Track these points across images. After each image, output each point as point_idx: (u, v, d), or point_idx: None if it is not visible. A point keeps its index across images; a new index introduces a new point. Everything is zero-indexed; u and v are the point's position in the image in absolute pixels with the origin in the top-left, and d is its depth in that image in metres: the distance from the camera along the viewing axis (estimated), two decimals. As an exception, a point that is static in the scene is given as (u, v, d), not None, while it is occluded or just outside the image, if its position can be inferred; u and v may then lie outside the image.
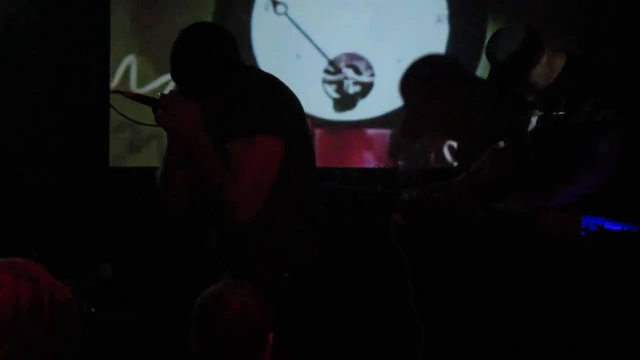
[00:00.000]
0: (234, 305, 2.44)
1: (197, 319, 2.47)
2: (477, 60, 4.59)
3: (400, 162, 4.03)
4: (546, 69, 3.75)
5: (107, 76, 4.63)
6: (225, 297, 2.46)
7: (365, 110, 4.72)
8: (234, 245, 3.22)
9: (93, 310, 4.14)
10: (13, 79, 4.60)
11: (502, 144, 4.04)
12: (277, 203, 3.13)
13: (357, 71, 4.67)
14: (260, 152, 3.05)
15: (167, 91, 3.90)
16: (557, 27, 4.55)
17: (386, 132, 4.71)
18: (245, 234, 3.16)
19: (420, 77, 4.67)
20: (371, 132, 4.71)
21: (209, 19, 4.56)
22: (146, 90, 4.54)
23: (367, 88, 4.70)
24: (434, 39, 4.66)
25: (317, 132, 4.65)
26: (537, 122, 3.85)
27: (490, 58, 3.80)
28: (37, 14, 4.62)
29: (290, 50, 4.66)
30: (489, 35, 4.35)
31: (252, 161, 3.04)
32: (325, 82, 4.68)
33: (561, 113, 3.76)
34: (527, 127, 3.88)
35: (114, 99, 3.17)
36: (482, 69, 4.52)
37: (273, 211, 3.13)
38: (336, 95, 4.69)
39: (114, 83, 4.62)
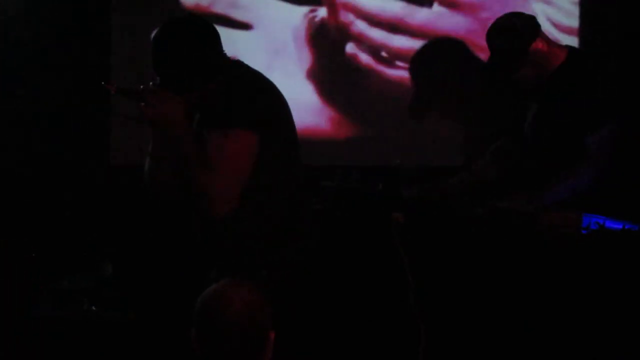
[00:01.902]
0: (235, 305, 2.43)
1: (199, 319, 2.47)
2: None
3: (400, 160, 4.03)
4: (543, 61, 3.75)
5: (107, 74, 4.63)
6: (227, 296, 2.45)
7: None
8: (217, 241, 3.22)
9: (93, 308, 4.14)
10: (14, 79, 4.60)
11: (503, 141, 4.05)
12: (258, 198, 3.14)
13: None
14: (234, 146, 3.06)
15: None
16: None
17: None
18: (227, 229, 3.17)
19: (423, 70, 4.68)
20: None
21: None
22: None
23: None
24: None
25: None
26: (533, 116, 3.86)
27: (490, 46, 3.81)
28: (37, 14, 4.63)
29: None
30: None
31: (225, 156, 3.05)
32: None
33: (557, 108, 3.76)
34: (525, 121, 3.89)
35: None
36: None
37: (254, 206, 3.14)
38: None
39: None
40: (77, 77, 4.64)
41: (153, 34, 3.15)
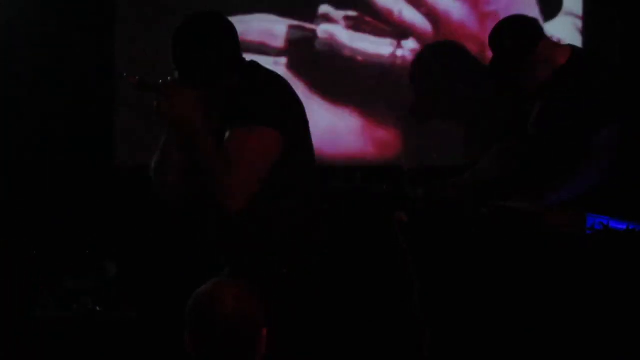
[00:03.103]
0: (227, 303, 2.44)
1: (191, 318, 2.47)
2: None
3: (404, 160, 4.03)
4: (545, 62, 3.76)
5: (112, 74, 4.63)
6: (218, 294, 2.46)
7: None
8: (231, 239, 3.23)
9: (97, 308, 4.14)
10: (18, 78, 4.60)
11: (507, 141, 4.05)
12: (275, 197, 3.14)
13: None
14: (257, 142, 3.07)
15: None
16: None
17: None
18: (242, 228, 3.17)
19: (427, 69, 4.68)
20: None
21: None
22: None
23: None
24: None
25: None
26: (537, 115, 3.86)
27: (492, 47, 3.82)
28: (41, 14, 4.63)
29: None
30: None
31: (248, 151, 3.06)
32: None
33: (560, 107, 3.76)
34: (530, 120, 3.90)
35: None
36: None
37: (271, 205, 3.14)
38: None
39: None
40: (81, 77, 4.64)
41: (176, 28, 3.16)
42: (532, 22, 3.80)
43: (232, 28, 3.20)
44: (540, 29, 3.77)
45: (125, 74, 3.15)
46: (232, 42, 3.19)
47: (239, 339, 2.43)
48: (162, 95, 3.05)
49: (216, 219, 3.25)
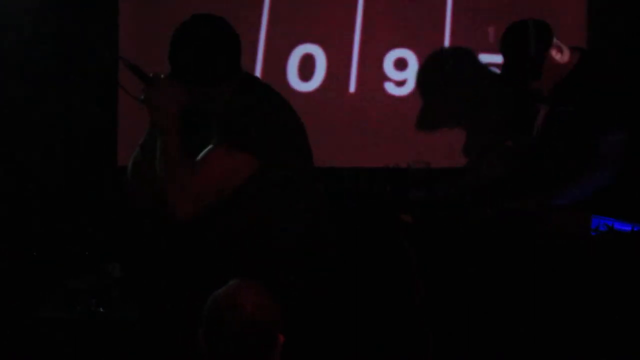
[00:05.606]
0: (246, 307, 2.44)
1: (209, 319, 2.47)
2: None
3: (408, 162, 4.03)
4: (557, 64, 3.76)
5: (115, 72, 4.63)
6: (238, 298, 2.46)
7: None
8: (231, 248, 3.23)
9: (101, 309, 4.14)
10: (21, 78, 4.60)
11: (511, 142, 4.05)
12: (279, 211, 3.15)
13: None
14: (230, 164, 3.08)
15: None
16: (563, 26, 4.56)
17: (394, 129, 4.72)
18: (240, 238, 3.18)
19: (431, 72, 4.68)
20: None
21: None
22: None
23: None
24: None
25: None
26: (544, 117, 3.86)
27: (503, 52, 3.81)
28: (44, 13, 4.62)
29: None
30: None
31: (218, 168, 3.07)
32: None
33: (569, 109, 3.76)
34: (535, 122, 3.90)
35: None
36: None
37: (276, 218, 3.15)
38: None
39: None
40: (84, 77, 4.64)
41: (176, 28, 3.16)
42: (544, 26, 3.79)
43: (236, 35, 3.20)
44: (551, 33, 3.77)
45: (122, 56, 3.18)
46: (234, 49, 3.18)
47: (254, 343, 2.43)
48: (152, 82, 3.08)
49: (216, 227, 3.25)
